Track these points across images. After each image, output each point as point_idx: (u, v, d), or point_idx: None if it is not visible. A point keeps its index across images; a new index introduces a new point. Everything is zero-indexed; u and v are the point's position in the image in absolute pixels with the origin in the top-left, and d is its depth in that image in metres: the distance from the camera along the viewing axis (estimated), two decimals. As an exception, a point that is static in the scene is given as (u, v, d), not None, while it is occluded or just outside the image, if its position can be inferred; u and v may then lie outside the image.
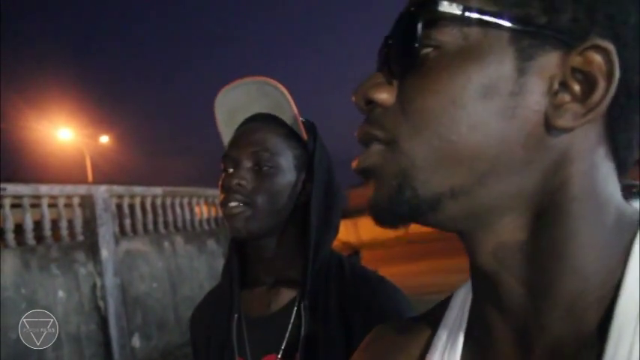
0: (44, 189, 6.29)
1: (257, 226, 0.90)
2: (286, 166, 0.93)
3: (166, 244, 7.93)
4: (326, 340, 0.87)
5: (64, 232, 6.41)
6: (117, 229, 7.09)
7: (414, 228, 0.42)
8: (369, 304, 0.88)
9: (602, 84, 0.34)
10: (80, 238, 6.57)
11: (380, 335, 0.52)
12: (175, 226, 8.41)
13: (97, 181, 8.86)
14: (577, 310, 0.35)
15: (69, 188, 6.60)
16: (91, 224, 6.69)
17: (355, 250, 9.37)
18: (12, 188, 5.88)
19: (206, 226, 9.26)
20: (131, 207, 7.62)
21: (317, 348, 0.87)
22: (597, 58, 0.34)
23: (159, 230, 7.95)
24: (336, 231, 0.97)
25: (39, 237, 6.08)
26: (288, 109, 0.94)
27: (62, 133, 19.54)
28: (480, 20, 0.35)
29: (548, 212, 0.36)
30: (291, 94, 0.94)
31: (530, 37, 0.35)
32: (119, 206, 7.34)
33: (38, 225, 6.14)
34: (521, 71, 0.35)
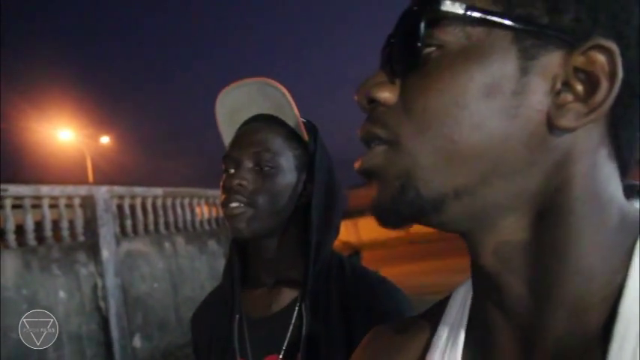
0: (45, 190, 6.29)
1: (258, 226, 0.90)
2: (287, 166, 0.93)
3: (167, 244, 7.94)
4: (327, 341, 0.87)
5: (65, 232, 6.42)
6: (118, 230, 7.10)
7: (415, 228, 0.42)
8: (370, 305, 0.88)
9: (604, 84, 0.34)
10: (81, 238, 6.57)
11: (378, 335, 0.52)
12: (176, 227, 8.41)
13: (98, 181, 8.88)
14: (580, 311, 0.35)
15: (70, 189, 6.61)
16: (91, 225, 6.70)
17: (356, 251, 9.37)
18: (13, 189, 5.89)
19: (207, 227, 9.26)
20: (132, 207, 7.62)
21: (318, 348, 0.87)
22: (600, 58, 0.34)
23: (160, 231, 7.96)
24: (337, 231, 0.97)
25: (40, 237, 6.09)
26: (289, 109, 0.94)
27: (63, 133, 19.56)
28: (482, 20, 0.35)
29: (551, 212, 0.36)
30: (292, 94, 0.94)
31: (533, 36, 0.35)
32: (120, 207, 7.35)
33: (39, 226, 6.14)
34: (523, 71, 0.35)
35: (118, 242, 6.96)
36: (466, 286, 0.46)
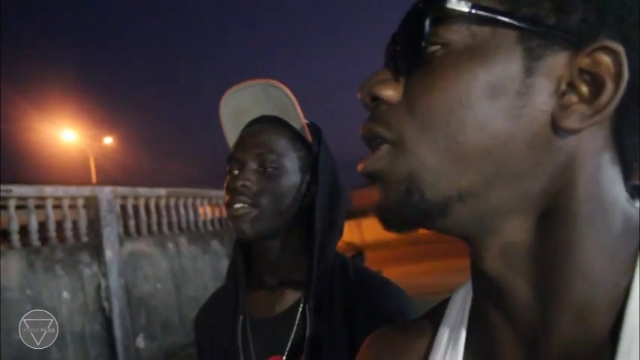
0: (49, 190, 6.31)
1: (262, 227, 0.90)
2: (291, 167, 0.93)
3: (170, 244, 7.95)
4: (330, 342, 0.87)
5: (69, 233, 6.43)
6: (121, 230, 7.11)
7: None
8: (374, 306, 0.88)
9: (609, 86, 0.34)
10: (84, 239, 6.59)
11: (381, 338, 0.52)
12: (179, 227, 8.42)
13: (101, 182, 8.88)
14: (587, 315, 0.35)
15: (73, 190, 6.62)
16: (95, 225, 6.71)
17: (359, 251, 9.37)
18: (17, 190, 5.91)
19: (210, 227, 9.27)
20: (135, 208, 7.63)
21: (322, 349, 0.87)
22: (606, 59, 0.34)
23: (163, 231, 7.97)
24: (341, 232, 0.97)
25: (44, 238, 6.11)
26: (293, 111, 0.94)
27: (66, 134, 19.61)
28: (488, 19, 0.35)
29: (555, 215, 0.36)
30: (295, 94, 0.94)
31: (538, 37, 0.35)
32: (123, 207, 7.36)
33: (43, 226, 6.16)
34: (528, 71, 0.35)
35: (121, 242, 6.97)
36: (465, 287, 0.46)
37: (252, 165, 0.92)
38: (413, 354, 0.47)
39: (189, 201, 8.82)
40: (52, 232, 6.21)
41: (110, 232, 6.80)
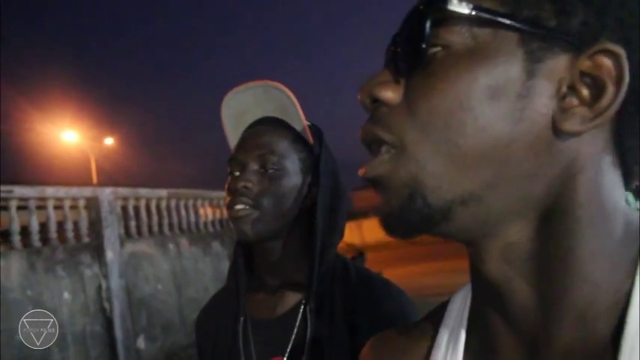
0: (50, 191, 6.31)
1: (263, 228, 0.90)
2: (292, 169, 0.93)
3: (171, 245, 7.95)
4: (331, 343, 0.87)
5: (70, 234, 6.44)
6: (122, 231, 7.11)
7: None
8: (374, 307, 0.88)
9: (610, 89, 0.34)
10: (86, 240, 6.59)
11: (382, 341, 0.52)
12: (180, 228, 8.42)
13: (102, 183, 8.87)
14: (588, 319, 0.35)
15: (74, 190, 6.63)
16: (96, 226, 6.71)
17: (360, 252, 9.37)
18: (18, 190, 5.91)
19: (211, 228, 9.27)
20: (136, 209, 7.63)
21: (322, 351, 0.87)
22: (607, 62, 0.34)
23: (164, 232, 7.97)
24: (342, 234, 0.97)
25: (45, 239, 6.11)
26: (294, 112, 0.94)
27: (67, 135, 19.62)
28: (489, 20, 0.35)
29: (556, 218, 0.36)
30: (296, 95, 0.94)
31: (539, 39, 0.34)
32: (124, 208, 7.36)
33: (44, 227, 6.16)
34: (529, 73, 0.34)
35: (122, 243, 6.97)
36: (465, 289, 0.46)
37: (254, 166, 0.92)
38: (414, 356, 0.47)
39: (190, 202, 8.82)
40: (53, 233, 6.22)
41: (111, 233, 6.81)
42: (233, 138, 1.00)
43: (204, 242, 8.81)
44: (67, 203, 6.52)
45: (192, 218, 8.80)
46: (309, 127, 0.97)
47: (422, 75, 0.37)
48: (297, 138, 0.95)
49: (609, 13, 0.34)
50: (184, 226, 8.52)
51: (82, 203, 6.70)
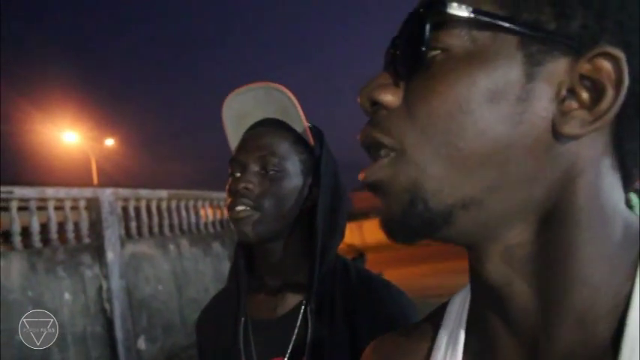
0: (50, 192, 6.32)
1: (264, 229, 0.90)
2: (293, 170, 0.93)
3: (172, 246, 7.95)
4: (332, 344, 0.87)
5: (70, 234, 6.44)
6: (123, 232, 7.12)
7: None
8: (375, 308, 0.88)
9: (610, 92, 0.34)
10: (86, 240, 6.59)
11: (382, 344, 0.52)
12: (181, 229, 8.42)
13: (103, 184, 8.88)
14: (588, 322, 0.35)
15: (75, 191, 6.63)
16: (96, 227, 6.72)
17: (360, 253, 9.36)
18: (19, 191, 5.92)
19: (211, 229, 9.27)
20: (137, 210, 7.63)
21: (323, 351, 0.87)
22: (606, 65, 0.34)
23: (164, 233, 7.97)
24: (342, 235, 0.98)
25: (45, 239, 6.11)
26: (295, 114, 0.95)
27: (67, 136, 19.64)
28: (488, 24, 0.35)
29: (556, 221, 0.36)
30: (296, 96, 0.94)
31: (539, 42, 0.34)
32: (125, 209, 7.37)
33: (45, 228, 6.17)
34: (529, 77, 0.34)
35: (122, 244, 6.98)
36: (464, 291, 0.46)
37: (255, 168, 0.92)
38: (414, 358, 0.47)
39: (191, 203, 8.83)
40: (54, 234, 6.22)
41: (111, 233, 6.81)
42: (234, 139, 1.00)
43: (205, 243, 8.81)
44: (68, 204, 6.53)
45: (193, 219, 8.80)
46: (310, 128, 0.97)
47: (421, 78, 0.37)
48: (298, 139, 0.95)
49: (609, 17, 0.34)
50: (185, 226, 8.53)
51: (82, 204, 6.70)
